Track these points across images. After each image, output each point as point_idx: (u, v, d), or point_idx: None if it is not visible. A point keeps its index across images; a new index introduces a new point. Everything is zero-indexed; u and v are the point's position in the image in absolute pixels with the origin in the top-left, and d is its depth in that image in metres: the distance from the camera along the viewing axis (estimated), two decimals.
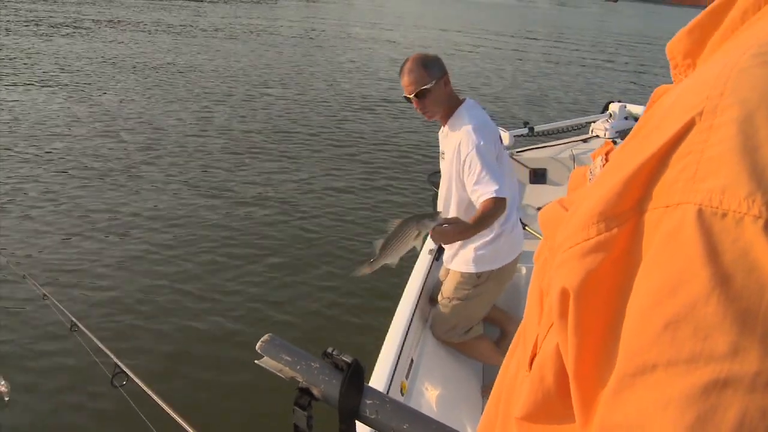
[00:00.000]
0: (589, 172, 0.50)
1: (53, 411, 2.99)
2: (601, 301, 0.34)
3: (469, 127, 2.13)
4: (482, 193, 2.07)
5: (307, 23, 21.67)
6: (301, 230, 5.07)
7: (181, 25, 18.09)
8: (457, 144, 2.16)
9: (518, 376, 0.54)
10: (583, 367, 0.35)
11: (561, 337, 0.38)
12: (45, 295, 2.29)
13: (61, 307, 2.14)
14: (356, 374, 0.76)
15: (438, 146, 2.40)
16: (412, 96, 2.16)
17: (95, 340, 1.93)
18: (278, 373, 0.79)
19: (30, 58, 11.54)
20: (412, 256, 2.85)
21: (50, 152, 6.52)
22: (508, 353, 0.63)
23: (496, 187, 2.05)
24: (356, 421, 0.75)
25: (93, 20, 17.85)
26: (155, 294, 4.02)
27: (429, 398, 2.31)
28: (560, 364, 0.40)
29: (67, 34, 14.96)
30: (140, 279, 4.18)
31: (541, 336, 0.45)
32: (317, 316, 3.84)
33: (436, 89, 2.15)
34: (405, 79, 2.16)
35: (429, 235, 2.06)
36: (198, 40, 15.61)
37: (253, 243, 4.78)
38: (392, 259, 1.98)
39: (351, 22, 23.47)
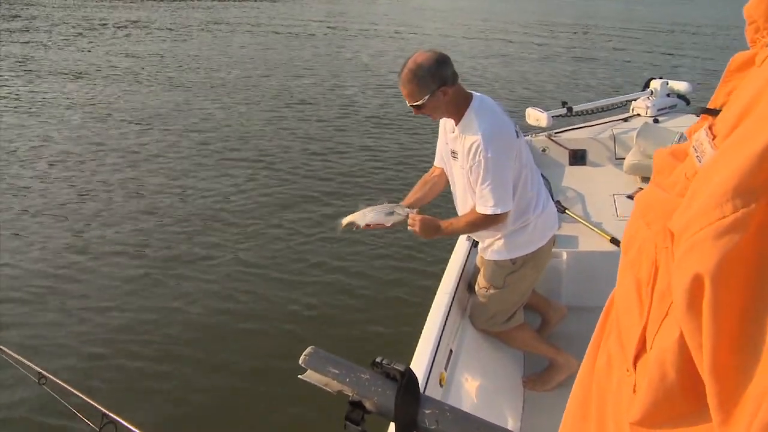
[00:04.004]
0: (693, 149, 0.46)
1: None
2: (740, 283, 0.32)
3: (479, 135, 2.04)
4: (479, 206, 2.14)
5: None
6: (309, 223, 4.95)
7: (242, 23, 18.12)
8: (467, 150, 2.10)
9: (611, 376, 0.52)
10: (721, 357, 0.33)
11: (689, 328, 0.36)
12: None
13: (21, 359, 1.80)
14: (411, 383, 0.72)
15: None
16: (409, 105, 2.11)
17: (76, 392, 1.67)
18: (324, 387, 0.75)
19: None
20: (449, 245, 2.79)
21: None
22: (589, 352, 0.60)
23: (492, 204, 2.09)
24: None
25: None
26: (127, 331, 3.60)
27: (469, 389, 2.26)
28: (684, 358, 0.37)
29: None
30: (111, 314, 3.74)
31: (650, 331, 0.43)
32: (343, 316, 3.70)
33: (431, 101, 2.05)
34: (401, 89, 2.09)
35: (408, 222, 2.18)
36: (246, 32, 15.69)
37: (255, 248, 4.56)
38: (360, 220, 2.18)
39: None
